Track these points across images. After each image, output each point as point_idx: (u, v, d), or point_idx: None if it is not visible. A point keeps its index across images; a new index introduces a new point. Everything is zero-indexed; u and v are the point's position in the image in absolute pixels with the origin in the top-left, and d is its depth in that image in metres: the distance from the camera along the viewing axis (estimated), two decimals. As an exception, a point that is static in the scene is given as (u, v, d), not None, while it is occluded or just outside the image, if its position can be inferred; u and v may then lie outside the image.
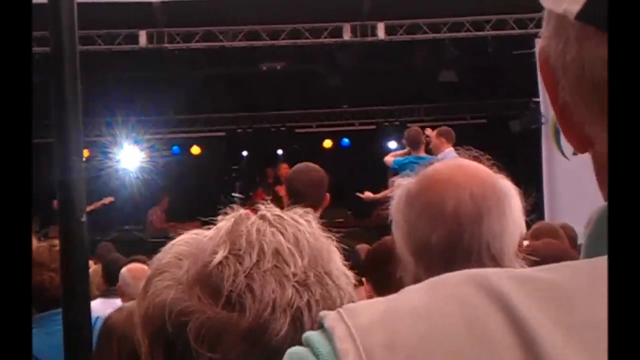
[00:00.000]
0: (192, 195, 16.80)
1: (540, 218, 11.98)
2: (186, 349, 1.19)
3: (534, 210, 12.50)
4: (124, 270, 6.27)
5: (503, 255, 1.71)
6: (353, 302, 1.25)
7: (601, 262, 0.69)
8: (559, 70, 0.78)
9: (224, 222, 1.28)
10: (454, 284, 0.71)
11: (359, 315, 0.71)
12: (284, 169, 15.97)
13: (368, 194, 10.62)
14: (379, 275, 3.47)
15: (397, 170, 9.42)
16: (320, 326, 0.74)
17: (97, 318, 4.13)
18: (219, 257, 1.21)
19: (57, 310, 3.69)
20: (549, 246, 3.77)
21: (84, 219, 2.89)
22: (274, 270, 1.20)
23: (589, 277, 0.69)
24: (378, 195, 10.97)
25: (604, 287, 0.66)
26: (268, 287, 1.19)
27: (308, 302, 1.21)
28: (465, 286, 0.69)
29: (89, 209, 11.82)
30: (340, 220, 15.10)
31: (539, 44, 0.86)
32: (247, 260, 1.20)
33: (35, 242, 5.01)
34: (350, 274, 1.32)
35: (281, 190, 15.93)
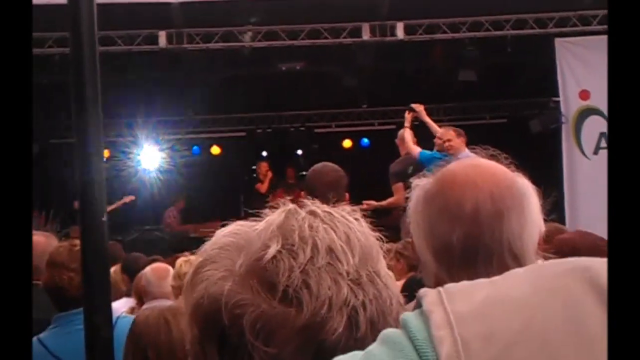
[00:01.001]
0: (212, 195, 16.86)
1: (561, 217, 11.95)
2: (240, 341, 1.18)
3: (554, 210, 12.49)
4: (147, 270, 6.27)
5: (524, 254, 1.71)
6: (400, 302, 1.26)
7: None
8: None
9: (274, 216, 1.28)
10: (558, 275, 0.69)
11: (459, 300, 0.70)
12: (263, 167, 16.14)
13: (370, 203, 10.53)
14: None
15: (422, 163, 9.35)
16: (418, 305, 0.73)
17: (118, 318, 4.14)
18: (272, 251, 1.20)
19: (77, 310, 3.72)
20: (584, 237, 3.76)
21: (104, 218, 2.90)
22: (328, 268, 1.20)
23: None
24: (383, 203, 10.92)
25: None
26: (324, 284, 1.18)
27: (363, 302, 1.20)
28: (569, 278, 0.68)
29: (109, 208, 11.93)
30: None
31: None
32: (301, 255, 1.19)
33: (55, 242, 5.04)
34: (392, 274, 1.31)
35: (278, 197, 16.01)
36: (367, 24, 13.40)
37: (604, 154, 13.06)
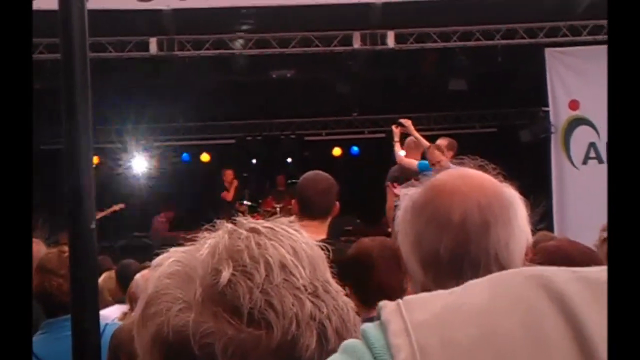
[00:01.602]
0: (201, 202, 16.84)
1: (550, 227, 11.97)
2: None
3: (543, 219, 12.53)
4: (138, 276, 6.27)
5: (511, 264, 1.71)
6: (353, 308, 1.26)
7: None
8: None
9: (216, 239, 1.25)
10: (517, 284, 0.70)
11: (418, 309, 0.70)
12: (229, 175, 16.12)
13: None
14: (361, 282, 3.46)
15: (422, 173, 9.33)
16: (378, 317, 0.73)
17: (106, 325, 4.14)
18: (226, 275, 1.18)
19: (66, 317, 3.71)
20: (574, 245, 3.77)
21: (93, 225, 2.90)
22: (285, 284, 1.19)
23: None
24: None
25: None
26: (287, 301, 1.17)
27: (327, 314, 1.20)
28: (529, 287, 0.69)
29: (99, 215, 11.82)
30: (349, 228, 15.10)
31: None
32: (256, 275, 1.18)
33: (44, 248, 5.03)
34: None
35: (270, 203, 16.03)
36: (358, 33, 13.42)
37: (593, 164, 13.11)
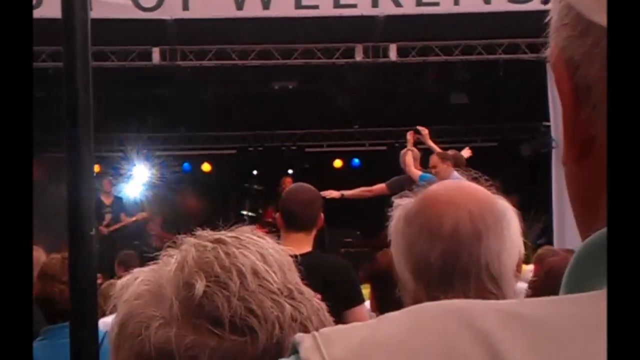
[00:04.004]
0: (202, 212, 16.82)
1: (550, 241, 11.97)
2: None
3: (544, 233, 12.53)
4: (118, 283, 6.28)
5: (502, 275, 1.73)
6: (324, 308, 1.28)
7: (586, 299, 0.68)
8: (584, 65, 0.78)
9: (182, 253, 1.25)
10: (435, 317, 0.69)
11: (336, 344, 0.70)
12: (288, 183, 16.01)
13: (331, 192, 10.77)
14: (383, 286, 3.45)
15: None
16: (294, 351, 0.73)
17: (106, 332, 4.14)
18: (200, 287, 1.18)
19: (66, 323, 3.71)
20: (567, 262, 3.76)
21: (93, 232, 2.91)
22: (261, 290, 1.19)
23: (575, 315, 0.68)
24: (347, 193, 11.25)
25: (590, 325, 0.65)
26: (266, 306, 1.18)
27: (308, 315, 1.22)
28: (447, 320, 0.68)
29: (120, 224, 11.97)
30: (349, 240, 15.10)
31: (550, 68, 0.87)
32: (230, 284, 1.18)
33: (43, 255, 5.04)
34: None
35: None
36: (360, 45, 13.45)
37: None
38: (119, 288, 1.29)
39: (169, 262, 1.26)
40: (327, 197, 11.37)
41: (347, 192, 11.72)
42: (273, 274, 1.22)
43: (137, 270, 1.31)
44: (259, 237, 1.29)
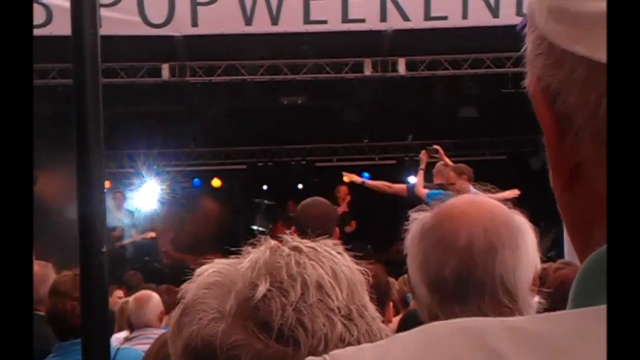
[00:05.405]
0: (212, 228, 16.80)
1: (560, 254, 11.92)
2: None
3: (554, 246, 12.48)
4: (130, 299, 6.25)
5: (518, 290, 1.72)
6: (388, 335, 1.26)
7: (591, 314, 0.68)
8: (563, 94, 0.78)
9: (258, 254, 1.27)
10: (447, 336, 0.68)
11: None
12: (343, 192, 15.99)
13: (354, 176, 10.90)
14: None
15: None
16: None
17: (118, 349, 4.14)
18: (262, 289, 1.19)
19: (78, 340, 3.72)
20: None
21: (104, 249, 2.91)
22: (319, 304, 1.20)
23: (580, 330, 0.68)
24: (369, 182, 11.81)
25: (595, 339, 0.65)
26: (318, 321, 1.18)
27: (357, 338, 1.21)
28: (459, 341, 0.67)
29: (131, 240, 12.07)
30: (360, 254, 15.07)
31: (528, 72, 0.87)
32: (291, 293, 1.19)
33: (52, 272, 5.04)
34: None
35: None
36: (369, 60, 13.46)
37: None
38: (199, 276, 1.31)
39: (246, 259, 1.28)
40: (350, 180, 11.50)
41: (369, 182, 11.75)
42: (338, 292, 1.22)
43: (217, 260, 1.32)
44: (338, 252, 1.30)
